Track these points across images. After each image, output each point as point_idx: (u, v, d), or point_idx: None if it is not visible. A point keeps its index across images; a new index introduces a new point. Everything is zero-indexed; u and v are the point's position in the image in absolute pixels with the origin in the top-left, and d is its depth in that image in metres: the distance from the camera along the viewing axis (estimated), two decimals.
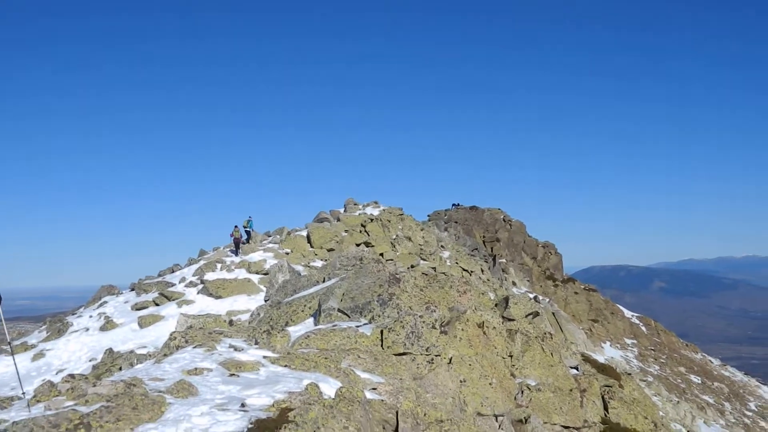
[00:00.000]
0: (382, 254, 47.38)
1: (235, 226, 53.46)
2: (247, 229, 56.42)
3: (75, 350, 35.88)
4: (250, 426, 11.01)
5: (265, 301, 35.97)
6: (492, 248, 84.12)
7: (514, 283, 73.63)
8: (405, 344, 18.33)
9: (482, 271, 60.49)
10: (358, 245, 51.46)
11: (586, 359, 33.27)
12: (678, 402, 49.22)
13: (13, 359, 24.73)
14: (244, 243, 54.44)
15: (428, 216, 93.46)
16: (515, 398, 20.73)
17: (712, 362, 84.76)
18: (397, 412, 14.53)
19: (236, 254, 51.88)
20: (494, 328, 22.18)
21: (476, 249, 75.64)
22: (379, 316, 20.26)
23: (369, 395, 15.09)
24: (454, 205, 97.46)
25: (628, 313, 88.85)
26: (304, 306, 22.98)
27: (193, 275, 45.32)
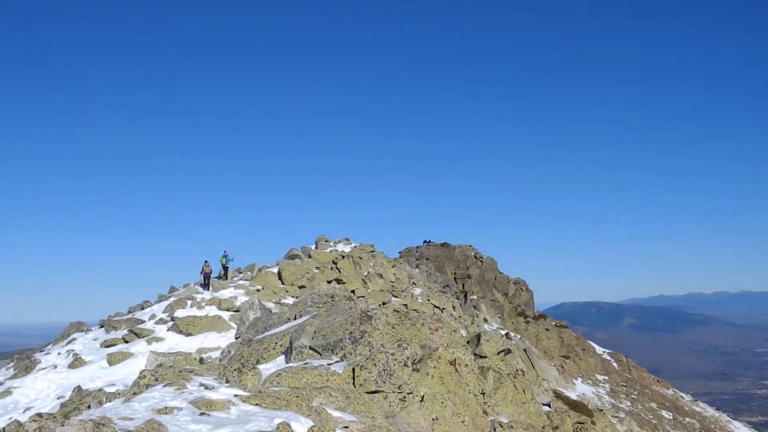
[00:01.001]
0: (353, 291, 47.34)
1: (206, 261, 53.25)
2: (225, 265, 56.23)
3: (43, 388, 35.50)
4: None
5: (236, 338, 35.75)
6: (463, 285, 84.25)
7: (485, 320, 73.66)
8: (377, 382, 18.23)
9: (454, 307, 60.55)
10: (329, 282, 51.39)
11: (558, 396, 33.21)
12: None
13: None
14: (221, 278, 54.35)
15: (399, 253, 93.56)
16: None
17: (683, 398, 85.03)
18: None
19: (206, 289, 51.70)
20: (466, 365, 22.09)
21: (448, 286, 75.73)
22: (351, 354, 20.15)
23: None
24: (425, 241, 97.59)
25: (599, 350, 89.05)
26: (276, 344, 22.83)
27: (163, 312, 45.05)
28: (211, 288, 51.34)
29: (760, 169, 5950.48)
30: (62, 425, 12.29)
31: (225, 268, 56.23)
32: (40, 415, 15.78)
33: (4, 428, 13.77)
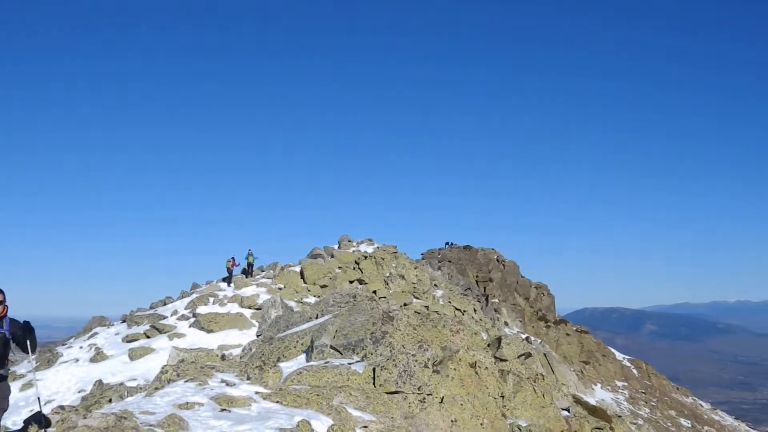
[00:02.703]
0: (375, 292, 47.27)
1: (232, 257, 53.66)
2: (250, 263, 56.50)
3: (64, 381, 35.62)
4: None
5: (257, 336, 35.83)
6: (485, 288, 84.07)
7: (506, 324, 73.56)
8: (397, 383, 18.24)
9: (475, 310, 60.41)
10: (351, 282, 51.40)
11: (578, 401, 33.20)
12: None
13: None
14: (246, 275, 54.70)
15: (422, 255, 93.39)
16: None
17: (702, 406, 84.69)
18: None
19: (229, 284, 52.06)
20: (486, 368, 22.11)
21: (469, 288, 75.59)
22: (372, 354, 20.17)
23: None
24: (447, 244, 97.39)
25: (619, 356, 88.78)
26: (297, 342, 22.87)
27: (185, 308, 45.18)
28: (232, 284, 51.56)
29: None
30: (84, 418, 12.40)
31: (250, 266, 56.46)
32: (62, 407, 15.90)
33: (26, 420, 13.88)
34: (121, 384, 30.45)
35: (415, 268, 64.24)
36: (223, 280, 54.61)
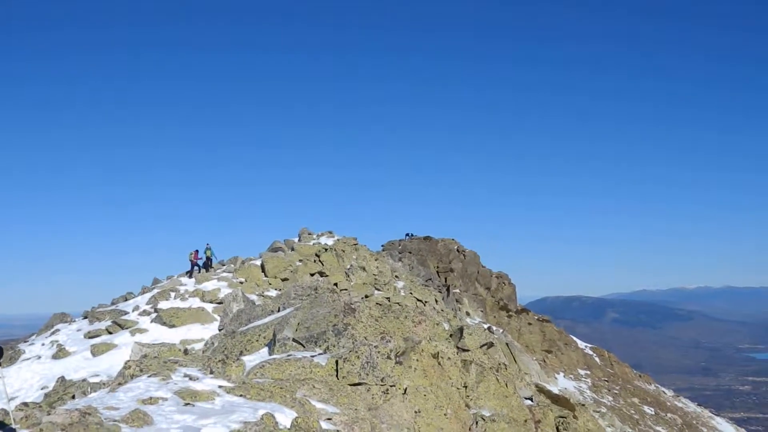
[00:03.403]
0: (336, 284, 47.30)
1: (195, 250, 53.66)
2: (209, 257, 56.37)
3: (27, 378, 35.44)
4: None
5: (220, 330, 35.84)
6: (446, 278, 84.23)
7: (467, 314, 73.73)
8: (360, 374, 18.35)
9: (436, 301, 60.57)
10: (312, 275, 51.43)
11: (541, 390, 33.50)
12: None
13: None
14: (204, 269, 54.59)
15: (382, 246, 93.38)
16: (470, 429, 20.79)
17: (665, 393, 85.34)
18: None
19: (190, 276, 52.05)
20: (449, 358, 22.26)
21: (430, 279, 75.74)
22: (334, 346, 20.27)
23: (324, 425, 15.12)
24: (407, 235, 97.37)
25: (581, 344, 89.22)
26: (259, 335, 22.93)
27: (147, 304, 44.99)
28: (194, 278, 51.51)
29: (744, 162, 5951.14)
30: (48, 414, 12.41)
31: (209, 260, 56.33)
32: (26, 404, 15.90)
33: None
34: (84, 380, 30.33)
35: (376, 260, 64.34)
36: (187, 273, 54.51)
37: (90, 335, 40.80)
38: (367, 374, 18.41)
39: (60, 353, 38.02)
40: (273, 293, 45.37)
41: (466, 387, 22.66)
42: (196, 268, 54.33)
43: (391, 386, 18.31)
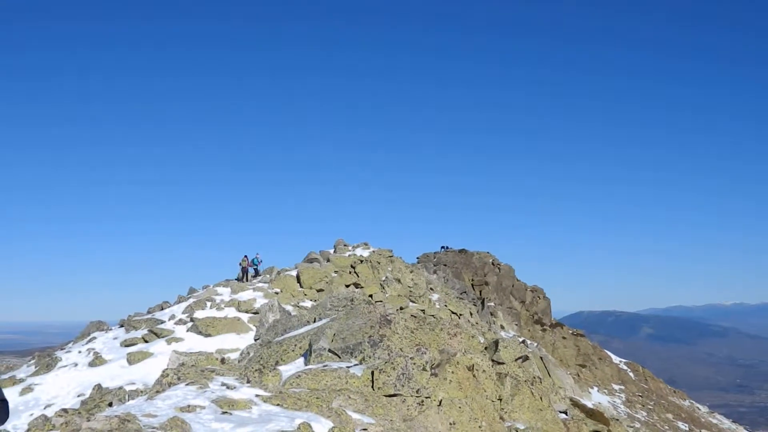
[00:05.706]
0: (371, 295, 47.35)
1: (245, 256, 55.18)
2: (255, 267, 57.68)
3: (63, 385, 35.71)
4: None
5: (255, 340, 35.95)
6: (481, 291, 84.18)
7: (502, 327, 73.69)
8: (395, 386, 18.37)
9: (471, 314, 60.55)
10: (347, 286, 51.55)
11: (575, 404, 33.31)
12: None
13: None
14: (251, 276, 55.99)
15: (417, 258, 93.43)
16: None
17: (699, 409, 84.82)
18: None
19: (245, 280, 53.60)
20: (484, 371, 22.25)
21: (465, 292, 75.74)
22: (370, 357, 20.29)
23: None
24: (443, 247, 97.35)
25: (616, 359, 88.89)
26: (295, 345, 23.00)
27: (183, 313, 45.22)
28: (248, 281, 52.89)
29: None
30: (88, 420, 12.53)
31: (255, 269, 57.61)
32: (65, 410, 16.02)
33: (30, 422, 14.02)
34: (121, 388, 30.58)
35: (411, 272, 64.39)
36: (237, 279, 55.61)
37: (126, 343, 41.04)
38: (403, 385, 18.43)
39: (96, 361, 38.28)
40: (308, 304, 45.49)
41: (500, 400, 22.62)
42: (251, 270, 55.83)
43: (426, 398, 18.32)
